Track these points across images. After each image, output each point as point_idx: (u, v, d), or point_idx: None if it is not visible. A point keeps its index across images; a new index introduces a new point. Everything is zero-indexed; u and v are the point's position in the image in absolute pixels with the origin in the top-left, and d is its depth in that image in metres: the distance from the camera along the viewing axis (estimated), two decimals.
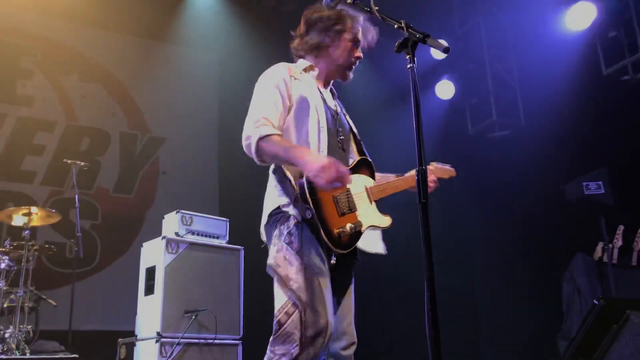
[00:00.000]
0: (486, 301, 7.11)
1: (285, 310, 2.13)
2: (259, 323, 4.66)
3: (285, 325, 2.11)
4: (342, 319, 2.35)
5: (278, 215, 2.27)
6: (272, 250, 2.24)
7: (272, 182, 2.35)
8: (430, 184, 2.64)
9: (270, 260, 2.22)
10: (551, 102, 6.19)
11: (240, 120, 2.36)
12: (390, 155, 6.51)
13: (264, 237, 2.38)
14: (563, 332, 5.52)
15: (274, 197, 2.31)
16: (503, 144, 6.88)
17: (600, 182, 4.96)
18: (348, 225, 2.23)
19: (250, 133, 2.24)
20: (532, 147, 6.39)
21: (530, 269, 6.34)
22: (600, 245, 5.14)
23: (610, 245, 5.02)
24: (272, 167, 2.35)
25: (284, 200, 2.26)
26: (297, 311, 2.11)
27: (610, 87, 5.79)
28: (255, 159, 2.25)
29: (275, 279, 2.20)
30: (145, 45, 7.40)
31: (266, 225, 2.33)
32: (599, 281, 5.15)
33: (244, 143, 2.26)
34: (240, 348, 4.53)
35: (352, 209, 2.30)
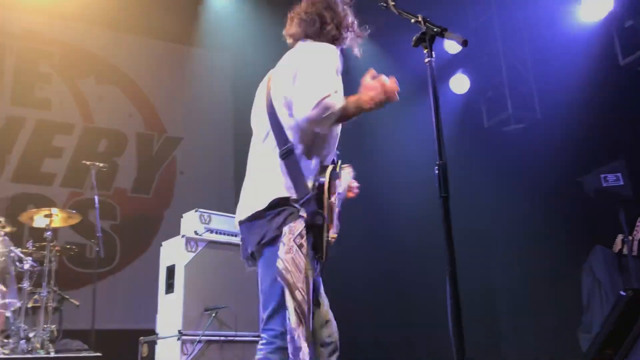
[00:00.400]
0: (505, 295, 7.07)
1: (295, 321, 2.04)
2: None
3: (299, 337, 2.04)
4: (322, 306, 2.30)
5: (287, 208, 2.12)
6: (281, 249, 2.06)
7: (277, 167, 2.17)
8: (355, 190, 2.49)
9: (279, 264, 2.05)
10: (567, 94, 6.13)
11: None
12: (405, 151, 6.54)
13: (244, 214, 2.19)
14: (583, 325, 5.48)
15: (279, 184, 2.14)
16: (519, 137, 6.83)
17: (618, 174, 4.91)
18: (332, 232, 2.19)
19: (334, 101, 2.07)
20: (548, 140, 6.34)
21: (549, 262, 6.29)
22: (619, 237, 5.09)
23: (630, 238, 4.97)
24: (278, 151, 2.18)
25: (293, 193, 2.13)
26: (301, 324, 2.04)
27: (627, 77, 5.72)
28: (322, 124, 2.10)
29: (283, 284, 2.05)
30: (160, 47, 7.46)
31: (263, 211, 2.14)
32: (620, 274, 5.11)
33: (322, 104, 2.04)
34: None
35: (334, 215, 2.23)
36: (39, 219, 4.89)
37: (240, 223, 2.25)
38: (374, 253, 6.86)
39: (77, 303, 4.99)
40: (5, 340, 4.31)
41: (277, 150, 2.17)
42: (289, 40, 2.45)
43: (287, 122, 2.18)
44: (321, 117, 2.05)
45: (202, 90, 7.50)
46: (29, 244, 4.77)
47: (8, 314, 4.36)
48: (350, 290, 6.48)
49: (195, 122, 7.35)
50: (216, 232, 4.69)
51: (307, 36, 2.38)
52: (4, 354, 4.14)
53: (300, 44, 2.38)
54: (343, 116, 2.11)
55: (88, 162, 5.43)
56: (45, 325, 4.51)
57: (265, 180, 2.19)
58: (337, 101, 2.09)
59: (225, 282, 4.52)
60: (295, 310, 2.02)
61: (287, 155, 2.15)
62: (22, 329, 4.36)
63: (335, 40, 2.38)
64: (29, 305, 4.58)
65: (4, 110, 6.59)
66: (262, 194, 2.15)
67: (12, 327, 4.36)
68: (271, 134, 2.21)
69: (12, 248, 4.59)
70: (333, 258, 2.27)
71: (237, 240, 4.76)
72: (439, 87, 1.97)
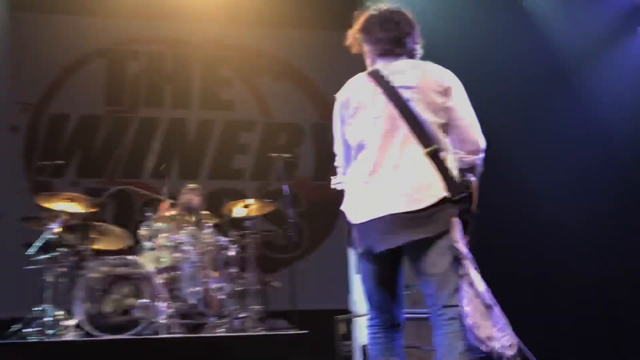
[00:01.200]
0: None
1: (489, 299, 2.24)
2: None
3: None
4: None
5: (447, 205, 2.28)
6: (459, 241, 2.27)
7: (432, 165, 2.31)
8: None
9: (464, 250, 2.28)
10: None
11: None
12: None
13: (420, 203, 2.28)
14: None
15: (441, 182, 2.30)
16: None
17: None
18: None
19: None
20: None
21: None
22: None
23: None
24: (422, 149, 2.32)
25: (447, 191, 2.28)
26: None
27: None
28: (478, 161, 2.43)
29: (470, 263, 2.27)
30: (326, 36, 7.64)
31: (433, 206, 2.27)
32: None
33: (479, 153, 2.42)
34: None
35: None
36: (238, 210, 5.33)
37: (397, 214, 2.31)
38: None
39: (279, 284, 5.37)
40: (221, 321, 4.75)
41: (421, 149, 2.32)
42: (391, 53, 2.56)
43: (435, 127, 2.36)
44: (482, 153, 2.43)
45: None
46: (232, 233, 5.21)
47: (222, 297, 4.82)
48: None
49: None
50: None
51: (405, 54, 2.55)
52: (221, 333, 4.58)
53: (414, 61, 2.54)
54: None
55: (275, 154, 5.78)
56: (252, 307, 4.90)
57: (427, 176, 2.31)
58: None
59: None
60: (487, 289, 2.25)
61: (435, 155, 2.31)
62: (234, 310, 4.79)
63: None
64: (237, 288, 5.01)
65: (196, 114, 7.31)
66: (431, 189, 2.28)
67: (226, 309, 4.81)
68: (406, 133, 2.35)
69: (219, 237, 5.06)
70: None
71: None
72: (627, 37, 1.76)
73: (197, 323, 4.74)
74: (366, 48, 2.64)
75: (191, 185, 5.61)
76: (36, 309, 4.34)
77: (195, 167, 7.18)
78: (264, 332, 4.62)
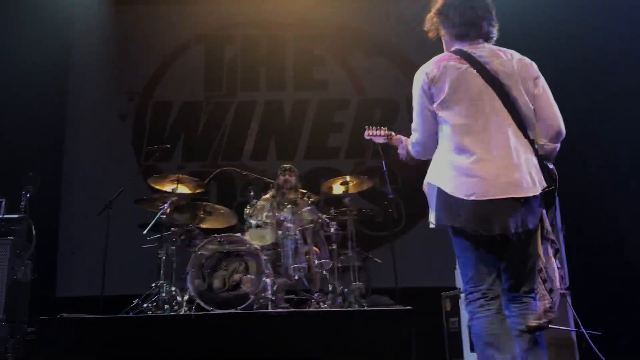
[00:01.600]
0: None
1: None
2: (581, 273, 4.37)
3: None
4: None
5: (544, 194, 2.38)
6: (551, 232, 2.41)
7: (533, 152, 2.42)
8: None
9: (556, 240, 2.44)
10: None
11: None
12: None
13: (530, 190, 2.35)
14: None
15: (540, 170, 2.40)
16: None
17: None
18: None
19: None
20: None
21: None
22: None
23: None
24: (523, 136, 2.41)
25: (545, 182, 2.38)
26: None
27: None
28: (556, 146, 2.47)
29: (556, 252, 2.42)
30: (417, 8, 7.49)
31: (537, 197, 2.36)
32: None
33: (559, 142, 2.47)
34: (568, 298, 4.32)
35: None
36: (337, 187, 5.35)
37: (517, 199, 2.34)
38: None
39: (379, 261, 5.37)
40: (324, 297, 4.82)
41: (522, 135, 2.41)
42: (482, 38, 2.60)
43: (531, 114, 2.44)
44: (557, 147, 2.48)
45: None
46: (332, 211, 5.24)
47: (324, 272, 4.88)
48: None
49: None
50: None
51: (482, 37, 2.60)
52: (325, 308, 4.64)
53: (503, 48, 2.57)
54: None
55: None
56: (354, 283, 4.93)
57: (535, 165, 2.39)
58: None
59: None
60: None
61: (532, 141, 2.41)
62: (337, 286, 4.84)
63: None
64: (338, 265, 5.05)
65: (291, 95, 7.42)
66: (539, 178, 2.37)
67: (328, 285, 4.87)
68: (507, 117, 2.42)
69: (319, 215, 5.11)
70: None
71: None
72: None
73: (302, 298, 4.86)
74: (443, 31, 2.66)
75: (286, 165, 5.69)
76: (153, 285, 4.63)
77: (291, 147, 7.29)
78: (366, 308, 4.64)
